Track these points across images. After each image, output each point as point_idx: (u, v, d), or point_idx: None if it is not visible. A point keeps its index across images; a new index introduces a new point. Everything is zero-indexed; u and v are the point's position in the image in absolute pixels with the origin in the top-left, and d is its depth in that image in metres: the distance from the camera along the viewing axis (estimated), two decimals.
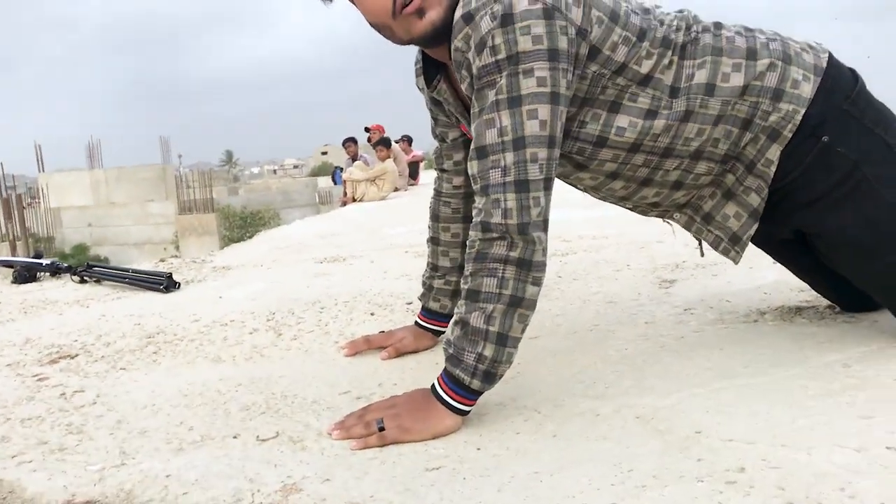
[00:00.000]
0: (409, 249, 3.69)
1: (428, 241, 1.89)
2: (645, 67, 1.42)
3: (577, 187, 1.66)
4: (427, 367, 1.73)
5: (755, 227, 1.55)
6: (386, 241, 4.22)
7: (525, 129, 1.32)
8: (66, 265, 3.39)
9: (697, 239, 1.72)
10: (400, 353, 1.83)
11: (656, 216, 1.70)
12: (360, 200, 8.55)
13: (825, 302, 1.94)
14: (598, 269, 2.67)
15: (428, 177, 15.24)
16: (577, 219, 4.26)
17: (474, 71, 1.36)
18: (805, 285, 2.09)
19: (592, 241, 3.40)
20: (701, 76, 1.44)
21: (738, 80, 1.45)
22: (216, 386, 1.70)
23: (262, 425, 1.45)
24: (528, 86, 1.31)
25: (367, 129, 10.99)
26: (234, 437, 1.40)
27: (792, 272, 1.92)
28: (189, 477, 1.24)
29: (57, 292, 3.09)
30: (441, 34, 1.42)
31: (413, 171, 11.84)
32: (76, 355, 2.07)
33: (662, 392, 1.44)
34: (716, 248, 1.63)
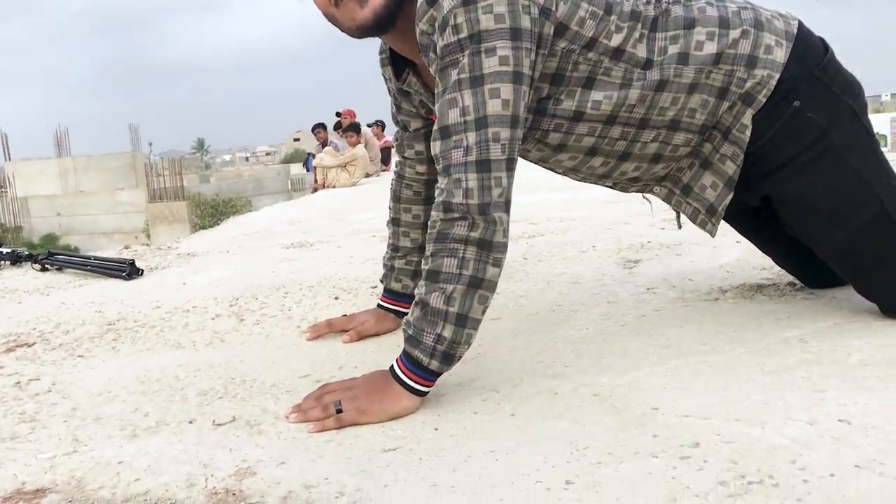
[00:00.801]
0: (377, 234, 3.67)
1: (389, 223, 1.88)
2: (615, 41, 1.41)
3: (556, 171, 1.65)
4: (388, 350, 1.71)
5: (730, 196, 1.55)
6: (354, 227, 4.19)
7: (487, 108, 1.30)
8: (27, 253, 3.33)
9: (676, 212, 1.73)
10: (362, 337, 1.81)
11: (637, 192, 1.69)
12: (332, 187, 8.49)
13: (786, 279, 1.96)
14: (563, 251, 2.67)
15: None
16: (544, 202, 4.26)
17: (437, 51, 1.35)
18: (767, 263, 2.11)
19: (559, 223, 3.40)
20: (674, 48, 1.44)
21: (711, 48, 1.45)
22: (174, 372, 1.67)
23: (219, 410, 1.43)
24: (490, 65, 1.30)
25: (338, 115, 10.91)
26: (190, 423, 1.38)
27: (757, 246, 1.94)
28: (141, 463, 1.22)
29: (17, 280, 3.03)
30: (385, 23, 1.41)
31: (385, 157, 11.78)
32: (33, 343, 2.03)
33: (620, 370, 1.44)
34: (694, 221, 1.63)
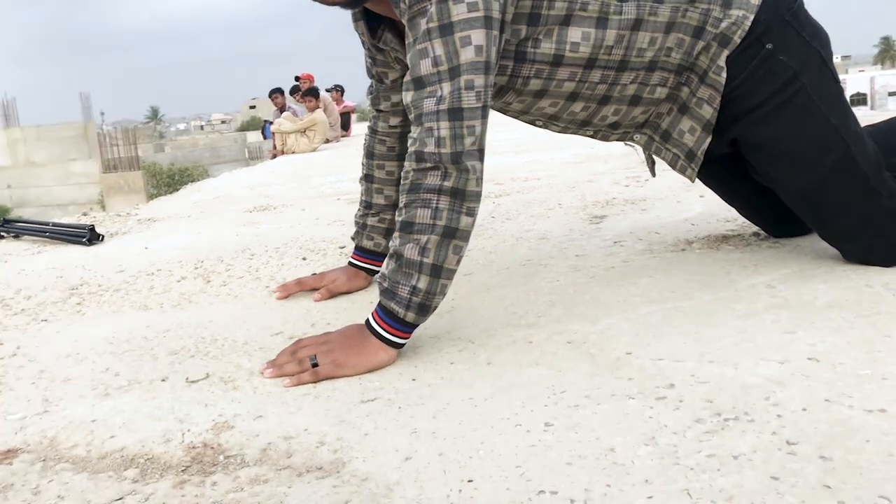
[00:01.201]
0: (342, 197, 3.64)
1: (361, 180, 1.86)
2: None
3: (536, 123, 1.63)
4: (360, 307, 1.71)
5: (708, 140, 1.56)
6: (317, 190, 4.15)
7: (460, 56, 1.29)
8: None
9: (650, 160, 1.74)
10: (333, 295, 1.80)
11: (618, 139, 1.69)
12: (291, 153, 8.38)
13: (751, 230, 1.99)
14: (529, 209, 2.68)
15: (360, 129, 15.04)
16: (508, 164, 4.26)
17: (406, 1, 1.33)
18: (731, 216, 2.14)
19: (524, 182, 3.40)
20: None
21: None
22: (143, 333, 1.65)
23: (192, 368, 1.41)
24: (458, 12, 1.28)
25: (296, 79, 10.74)
26: (163, 381, 1.36)
27: (721, 195, 1.95)
28: (116, 421, 1.20)
29: None
30: None
31: (345, 122, 11.67)
32: None
33: (592, 318, 1.45)
34: (673, 167, 1.63)
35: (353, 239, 1.88)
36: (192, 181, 17.44)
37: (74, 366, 1.49)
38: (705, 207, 2.35)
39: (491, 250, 2.12)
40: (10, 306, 2.00)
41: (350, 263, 1.87)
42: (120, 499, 0.98)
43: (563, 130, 1.65)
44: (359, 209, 1.86)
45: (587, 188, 3.02)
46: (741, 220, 2.11)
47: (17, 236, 3.05)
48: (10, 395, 1.36)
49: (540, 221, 2.45)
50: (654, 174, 1.83)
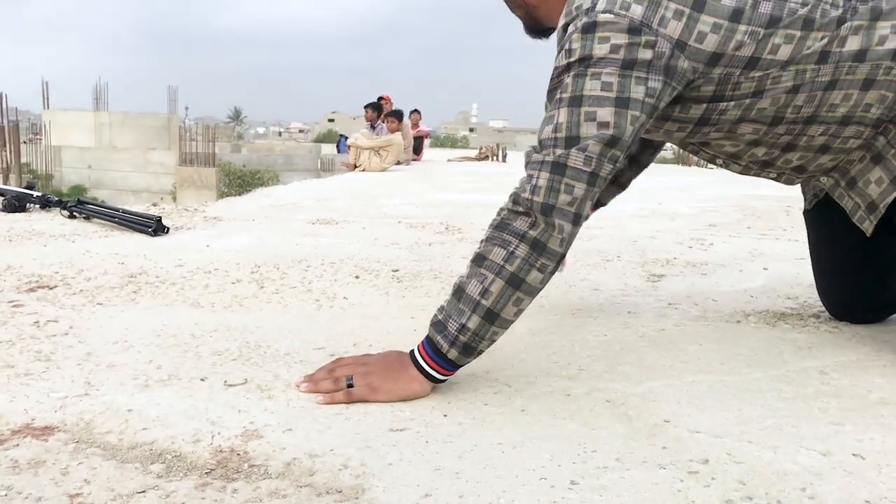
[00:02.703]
0: (403, 220, 3.67)
1: None
2: (783, 53, 1.35)
3: (716, 161, 1.61)
4: (404, 334, 1.71)
5: (894, 194, 1.48)
6: (380, 210, 4.19)
7: (581, 128, 1.29)
8: (56, 198, 3.37)
9: (812, 195, 1.73)
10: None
11: (802, 182, 1.65)
12: (362, 169, 8.50)
13: (811, 311, 1.93)
14: (587, 258, 2.66)
15: (431, 154, 15.19)
16: None
17: (551, 73, 1.36)
18: (793, 293, 2.09)
19: (585, 230, 3.38)
20: (853, 43, 1.36)
21: (893, 43, 1.37)
22: (191, 329, 1.68)
23: (232, 371, 1.43)
24: (591, 87, 1.29)
25: (380, 99, 10.93)
26: (202, 380, 1.38)
27: (820, 247, 1.84)
28: (150, 413, 1.23)
29: (44, 224, 3.06)
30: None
31: (417, 146, 11.78)
32: (55, 286, 2.05)
33: (635, 380, 1.43)
34: (852, 216, 1.56)
35: None
36: (261, 184, 17.82)
37: (120, 353, 1.53)
38: (767, 280, 2.30)
39: (542, 294, 2.10)
40: (71, 285, 2.07)
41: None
42: (142, 492, 1.00)
43: (744, 171, 1.61)
44: None
45: (648, 244, 2.98)
46: (802, 298, 2.06)
47: (87, 218, 3.16)
48: (56, 374, 1.40)
49: (595, 272, 2.43)
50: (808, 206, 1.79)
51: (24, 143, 17.40)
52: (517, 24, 1.64)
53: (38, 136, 22.12)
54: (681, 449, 1.13)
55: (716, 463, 1.09)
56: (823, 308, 1.91)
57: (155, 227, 2.86)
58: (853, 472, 1.06)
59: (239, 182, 18.47)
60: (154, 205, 3.93)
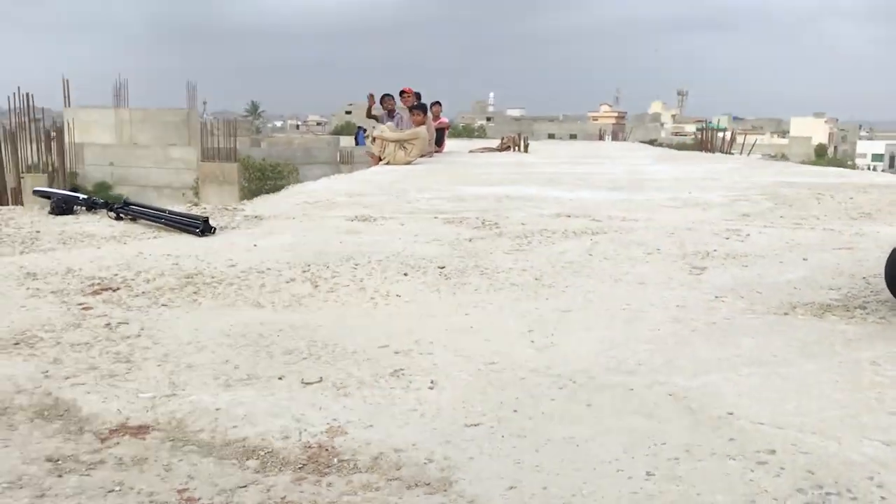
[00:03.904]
0: (438, 216, 3.72)
1: None
2: None
3: None
4: (462, 331, 1.77)
5: None
6: (413, 206, 4.24)
7: None
8: (102, 200, 3.45)
9: None
10: None
11: None
12: (387, 162, 8.56)
13: (856, 302, 1.97)
14: (628, 251, 2.70)
15: (453, 144, 15.20)
16: (604, 200, 4.27)
17: None
18: (836, 284, 2.12)
19: (622, 222, 3.42)
20: None
21: None
22: (258, 330, 1.75)
23: (306, 370, 1.50)
24: None
25: (402, 93, 10.96)
26: (279, 379, 1.45)
27: None
28: (238, 412, 1.29)
29: (93, 226, 3.14)
30: None
31: (439, 138, 11.80)
32: (117, 289, 2.13)
33: (692, 373, 1.48)
34: None
35: None
36: (281, 178, 17.92)
37: (195, 353, 1.60)
38: (808, 272, 2.34)
39: (589, 289, 2.16)
40: (132, 287, 2.14)
41: None
42: (244, 486, 1.07)
43: None
44: None
45: (686, 236, 3.01)
46: (846, 289, 2.10)
47: (133, 219, 3.23)
48: (139, 374, 1.47)
49: (638, 265, 2.47)
50: None
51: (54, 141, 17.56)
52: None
53: (62, 135, 22.31)
54: (746, 440, 1.18)
55: (783, 453, 1.14)
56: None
57: (202, 227, 2.92)
58: None
59: (259, 175, 18.59)
60: (195, 205, 4.00)
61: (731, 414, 1.28)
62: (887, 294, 1.93)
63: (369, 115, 10.66)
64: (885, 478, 1.06)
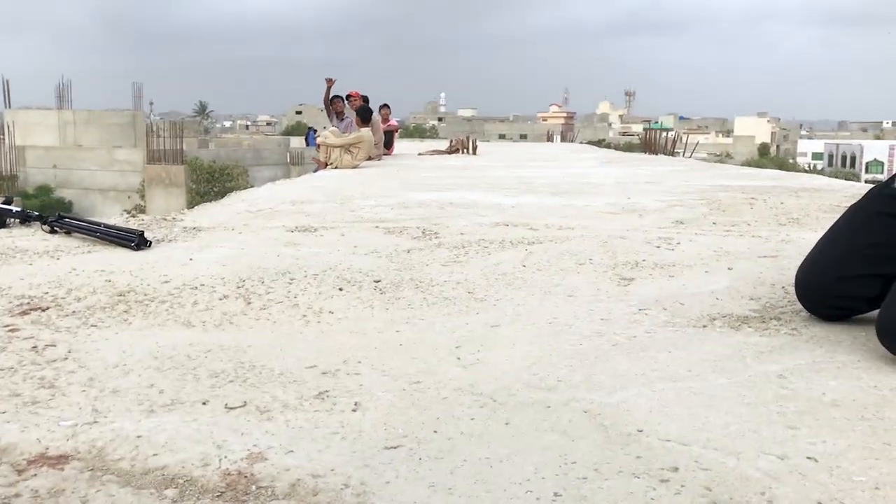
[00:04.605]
0: (380, 225, 3.74)
1: None
2: None
3: None
4: (391, 348, 1.80)
5: None
6: (356, 214, 4.26)
7: None
8: (36, 213, 3.40)
9: None
10: None
11: None
12: (334, 167, 8.55)
13: (772, 313, 2.05)
14: (560, 262, 2.76)
15: (402, 146, 15.22)
16: (544, 206, 4.34)
17: None
18: (756, 294, 2.21)
19: (558, 231, 3.48)
20: None
21: None
22: (186, 351, 1.76)
23: (231, 393, 1.51)
24: None
25: (348, 97, 10.95)
26: (203, 404, 1.46)
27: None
28: (159, 439, 1.30)
29: (26, 241, 3.10)
30: None
31: (388, 141, 11.83)
32: (47, 308, 2.11)
33: (610, 389, 1.53)
34: None
35: None
36: (230, 180, 17.72)
37: (121, 377, 1.60)
38: (732, 281, 2.42)
39: (519, 303, 2.20)
40: (62, 307, 2.13)
41: None
42: None
43: None
44: None
45: (619, 245, 3.09)
46: (765, 299, 2.18)
47: (68, 233, 3.20)
48: (62, 401, 1.48)
49: (569, 276, 2.53)
50: None
51: None
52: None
53: (1, 137, 21.78)
54: (653, 457, 1.24)
55: (685, 470, 1.19)
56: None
57: (137, 241, 2.91)
58: (807, 475, 1.18)
59: (207, 178, 18.37)
60: (133, 216, 3.96)
61: (640, 431, 1.34)
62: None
63: (327, 100, 10.66)
64: (775, 492, 1.12)
